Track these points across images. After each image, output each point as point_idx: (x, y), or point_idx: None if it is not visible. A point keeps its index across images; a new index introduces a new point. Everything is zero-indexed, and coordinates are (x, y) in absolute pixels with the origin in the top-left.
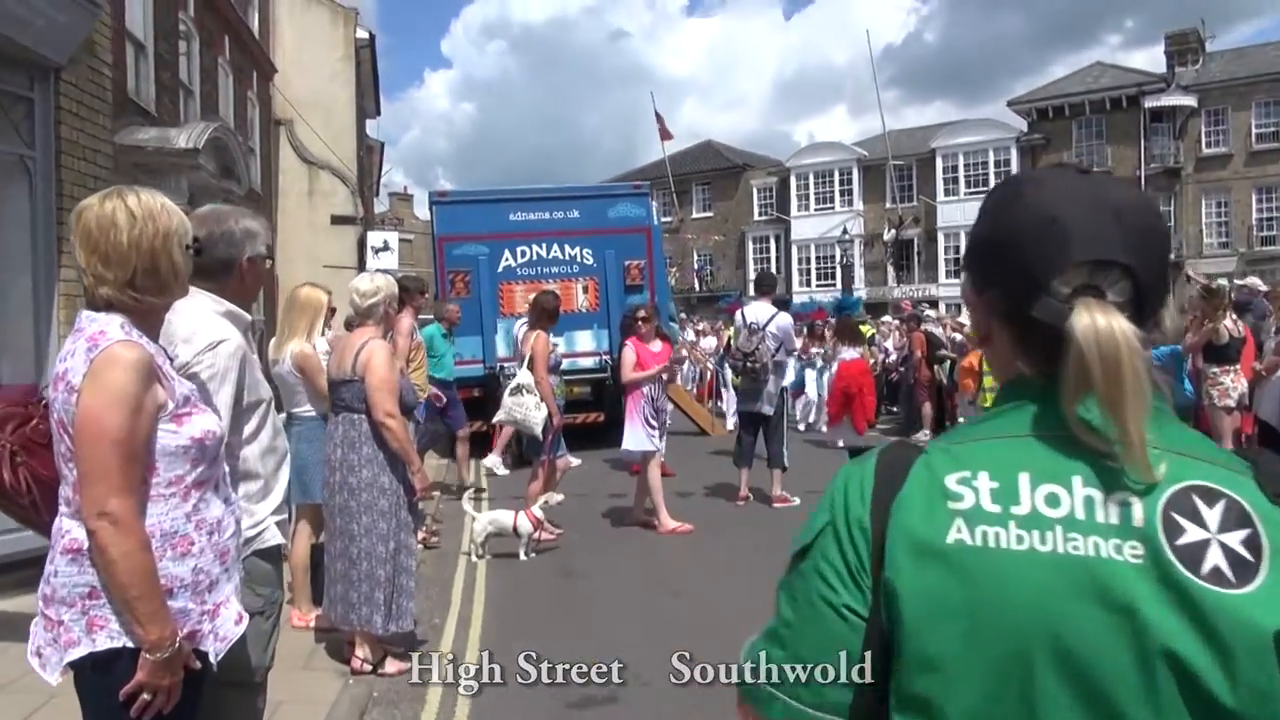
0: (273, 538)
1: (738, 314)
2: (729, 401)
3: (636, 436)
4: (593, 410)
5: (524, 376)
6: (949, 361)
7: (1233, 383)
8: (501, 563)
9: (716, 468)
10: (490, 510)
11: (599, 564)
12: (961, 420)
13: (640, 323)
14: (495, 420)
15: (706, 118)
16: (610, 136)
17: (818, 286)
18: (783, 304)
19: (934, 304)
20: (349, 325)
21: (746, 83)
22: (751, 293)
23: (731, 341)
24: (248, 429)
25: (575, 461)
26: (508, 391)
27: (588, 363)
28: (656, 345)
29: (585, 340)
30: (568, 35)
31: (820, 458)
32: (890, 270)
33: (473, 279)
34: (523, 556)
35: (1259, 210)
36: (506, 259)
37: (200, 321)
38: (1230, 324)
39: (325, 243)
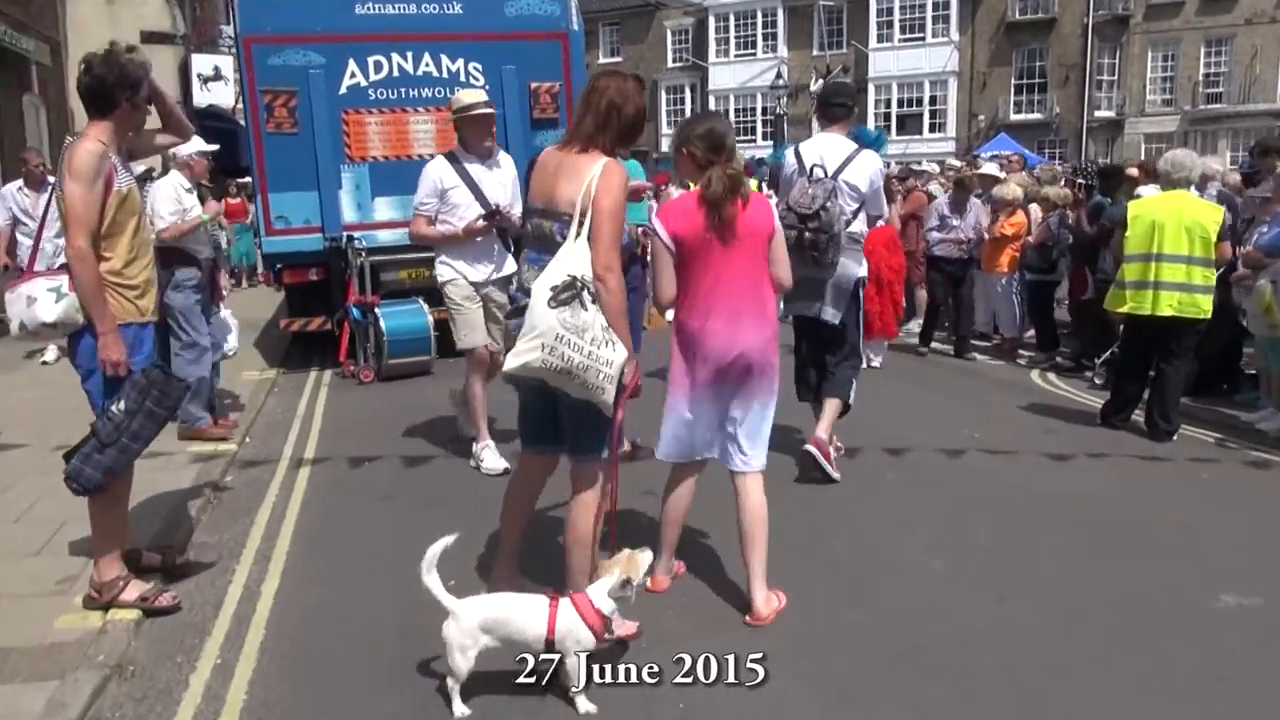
0: None
1: (788, 154)
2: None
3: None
4: None
5: (576, 259)
6: None
7: None
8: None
9: None
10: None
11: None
12: (981, 304)
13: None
14: (517, 366)
15: None
16: None
17: (738, 142)
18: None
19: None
20: None
21: None
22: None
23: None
24: None
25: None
26: (544, 295)
27: None
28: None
29: None
30: None
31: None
32: (815, 125)
33: (300, 105)
34: (583, 709)
35: (1206, 65)
36: (352, 74)
37: None
38: None
39: None
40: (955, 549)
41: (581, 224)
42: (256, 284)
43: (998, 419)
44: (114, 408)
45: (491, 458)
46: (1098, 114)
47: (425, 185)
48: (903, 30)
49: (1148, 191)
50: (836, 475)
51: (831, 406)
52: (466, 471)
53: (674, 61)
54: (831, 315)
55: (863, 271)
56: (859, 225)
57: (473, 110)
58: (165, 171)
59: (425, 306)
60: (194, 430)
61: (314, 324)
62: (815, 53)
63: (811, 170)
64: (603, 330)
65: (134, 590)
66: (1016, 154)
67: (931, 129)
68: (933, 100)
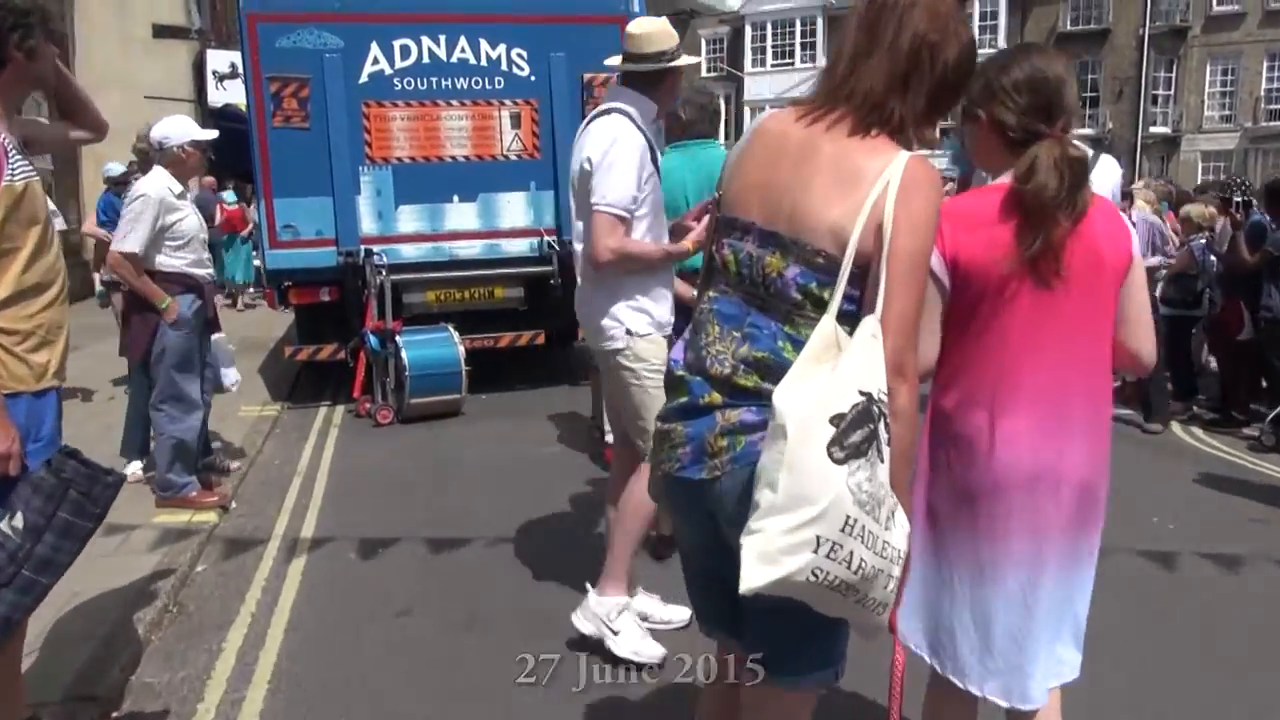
0: None
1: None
2: None
3: None
4: (526, 326)
5: (868, 362)
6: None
7: None
8: None
9: None
10: None
11: None
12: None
13: None
14: (769, 583)
15: None
16: None
17: None
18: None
19: None
20: None
21: None
22: None
23: None
24: None
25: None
26: (820, 434)
27: (518, 247)
28: None
29: (516, 209)
30: None
31: None
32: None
33: (313, 95)
34: None
35: (1269, 80)
36: (375, 60)
37: None
38: None
39: (145, 65)
40: None
41: (863, 280)
42: (257, 304)
43: (1177, 497)
44: (5, 525)
45: (637, 634)
46: (1152, 130)
47: (628, 169)
48: None
49: None
50: None
51: None
52: (511, 567)
53: (708, 71)
54: None
55: None
56: None
57: (681, 56)
58: (141, 165)
59: (456, 335)
60: (178, 500)
61: (325, 352)
62: None
63: None
64: (888, 493)
65: None
66: None
67: None
68: None
